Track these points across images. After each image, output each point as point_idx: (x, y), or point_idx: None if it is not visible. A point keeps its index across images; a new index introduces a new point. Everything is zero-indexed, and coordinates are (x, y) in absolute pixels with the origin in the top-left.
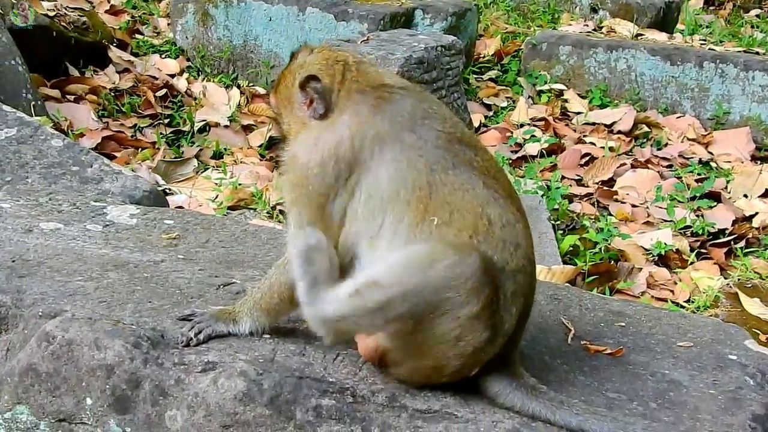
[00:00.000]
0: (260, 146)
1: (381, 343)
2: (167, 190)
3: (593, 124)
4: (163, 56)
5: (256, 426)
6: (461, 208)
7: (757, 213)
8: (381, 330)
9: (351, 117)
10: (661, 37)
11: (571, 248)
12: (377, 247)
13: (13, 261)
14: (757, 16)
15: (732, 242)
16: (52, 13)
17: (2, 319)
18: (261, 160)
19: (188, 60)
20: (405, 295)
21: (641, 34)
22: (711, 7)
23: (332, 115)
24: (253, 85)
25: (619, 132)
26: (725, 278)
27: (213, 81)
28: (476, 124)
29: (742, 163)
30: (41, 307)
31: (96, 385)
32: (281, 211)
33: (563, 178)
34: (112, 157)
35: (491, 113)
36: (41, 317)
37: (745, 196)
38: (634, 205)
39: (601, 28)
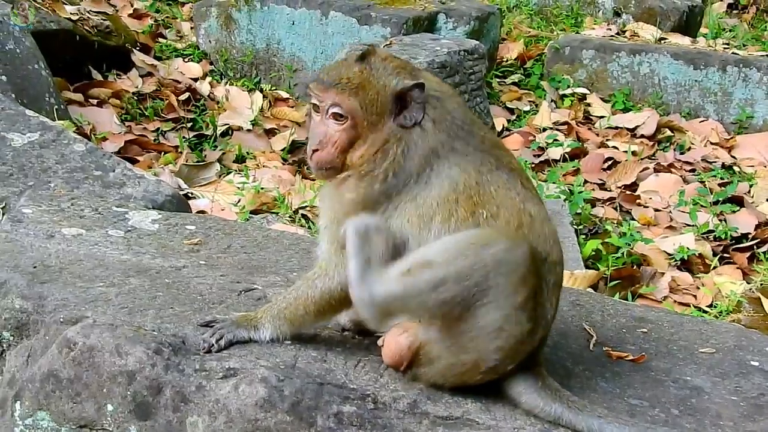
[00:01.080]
0: (283, 150)
1: (419, 337)
2: (189, 194)
3: (616, 128)
4: (186, 60)
5: None
6: (505, 203)
7: None
8: (428, 313)
9: (434, 126)
10: (684, 41)
11: (594, 253)
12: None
13: (35, 267)
14: None
15: (755, 247)
16: (75, 17)
17: (24, 325)
18: (283, 164)
19: (211, 64)
20: (458, 276)
21: (664, 38)
22: (734, 11)
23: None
24: (275, 89)
25: (642, 136)
26: (748, 283)
27: (236, 85)
28: (499, 128)
29: (765, 167)
30: (63, 313)
31: (117, 391)
32: (303, 216)
33: (586, 182)
34: (134, 161)
35: (514, 117)
36: (62, 323)
37: None
38: (657, 210)
39: (624, 32)
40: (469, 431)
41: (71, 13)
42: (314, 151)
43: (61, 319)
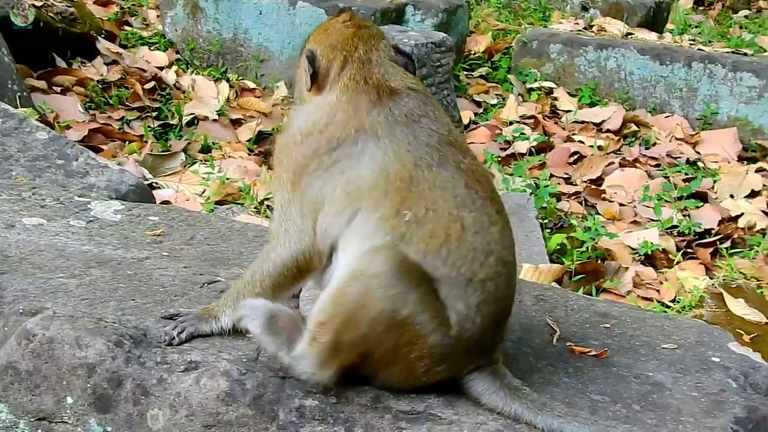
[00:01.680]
0: (249, 141)
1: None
2: (154, 184)
3: (582, 122)
4: (152, 48)
5: (239, 426)
6: (437, 207)
7: (743, 213)
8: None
9: (347, 101)
10: (651, 36)
11: (559, 247)
12: (350, 240)
13: None
14: (746, 16)
15: (718, 242)
16: (39, 4)
17: None
18: (249, 154)
19: (177, 53)
20: (348, 326)
21: (631, 34)
22: (700, 7)
23: (327, 93)
24: (242, 79)
25: (608, 131)
26: (711, 278)
27: (202, 74)
28: (466, 121)
29: (729, 163)
30: (22, 304)
31: (77, 383)
32: (269, 207)
33: (552, 176)
34: (99, 150)
35: (481, 110)
36: (22, 314)
37: (732, 196)
38: (621, 204)
39: (592, 26)
40: (431, 426)
41: (35, 0)
42: None
43: (21, 311)
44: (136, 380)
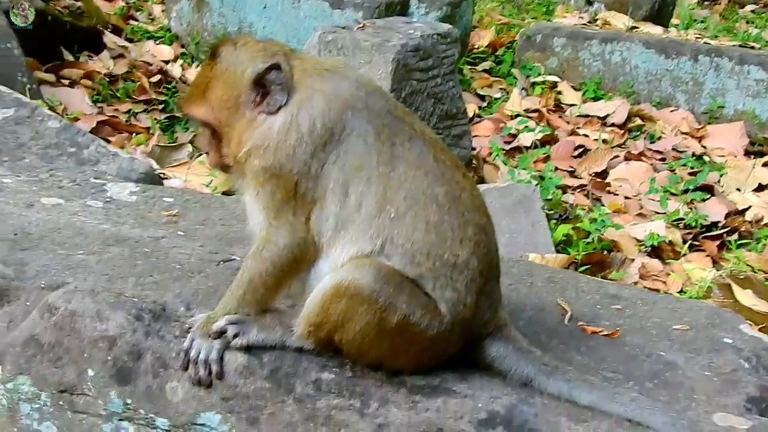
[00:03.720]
0: None
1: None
2: (162, 175)
3: (587, 116)
4: (158, 42)
5: (256, 399)
6: (415, 191)
7: (749, 207)
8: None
9: (317, 93)
10: (656, 30)
11: (565, 238)
12: (336, 241)
13: (16, 234)
14: (752, 11)
15: (724, 235)
16: None
17: (4, 291)
18: None
19: (183, 46)
20: (338, 333)
21: (636, 27)
22: (706, 2)
23: (291, 101)
24: None
25: (613, 124)
26: (717, 270)
27: None
28: (470, 114)
29: (735, 157)
30: (44, 280)
31: (98, 356)
32: None
33: (556, 169)
34: (106, 142)
35: (485, 104)
36: (44, 289)
37: (738, 189)
38: (627, 197)
39: (596, 20)
40: (446, 399)
41: None
42: (207, 154)
43: (43, 285)
44: (155, 353)
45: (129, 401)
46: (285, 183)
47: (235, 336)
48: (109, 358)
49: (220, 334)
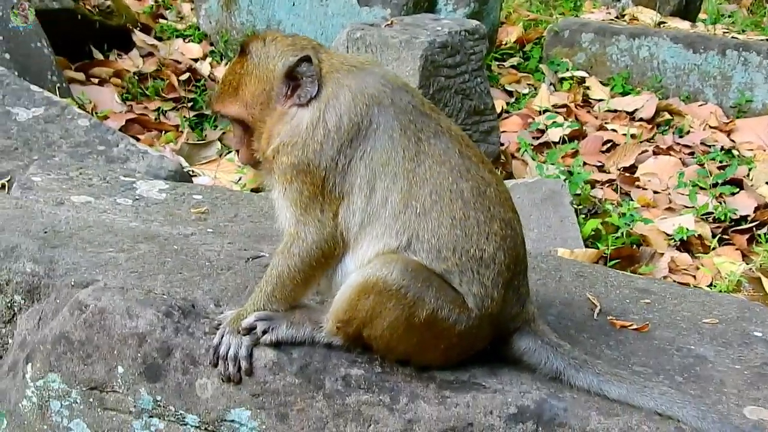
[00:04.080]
0: None
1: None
2: (191, 172)
3: (615, 111)
4: (187, 41)
5: (286, 395)
6: (440, 186)
7: None
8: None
9: (344, 88)
10: (684, 25)
11: (594, 232)
12: (363, 237)
13: (46, 232)
14: None
15: (754, 228)
16: None
17: (35, 289)
18: None
19: (211, 44)
20: (367, 328)
21: (663, 23)
22: None
23: (319, 96)
24: None
25: (641, 119)
26: (747, 264)
27: None
28: (498, 109)
29: (764, 150)
30: (73, 277)
31: (127, 353)
32: None
33: (585, 164)
34: (136, 140)
35: (513, 100)
36: (74, 287)
37: (767, 183)
38: (655, 192)
39: (624, 15)
40: (476, 394)
41: None
42: (237, 150)
43: (72, 283)
44: (185, 350)
45: (159, 398)
46: (312, 179)
47: (264, 332)
48: (138, 355)
49: (249, 330)
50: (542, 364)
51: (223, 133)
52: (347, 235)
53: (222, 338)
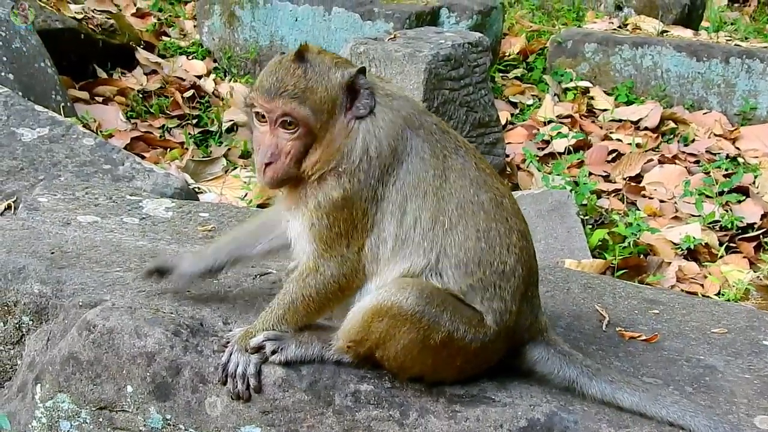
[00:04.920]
0: None
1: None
2: (196, 189)
3: (619, 120)
4: (190, 58)
5: (295, 411)
6: (463, 199)
7: None
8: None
9: (389, 108)
10: (687, 33)
11: (600, 242)
12: (390, 264)
13: (53, 253)
14: None
15: (761, 236)
16: (80, 16)
17: (43, 310)
18: None
19: (215, 61)
20: (379, 350)
21: (666, 31)
22: (736, 5)
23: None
24: None
25: (646, 128)
26: (755, 272)
27: (240, 81)
28: (503, 121)
29: None
30: (81, 297)
31: (136, 372)
32: None
33: (590, 174)
34: (141, 158)
35: (517, 111)
36: (81, 307)
37: None
38: (662, 201)
39: (626, 25)
40: (486, 408)
41: (76, 12)
42: (267, 164)
43: (80, 303)
44: (194, 368)
45: (168, 417)
46: (350, 214)
47: (273, 352)
48: (147, 374)
49: (258, 349)
50: (555, 373)
51: (228, 149)
52: (373, 264)
53: (231, 356)
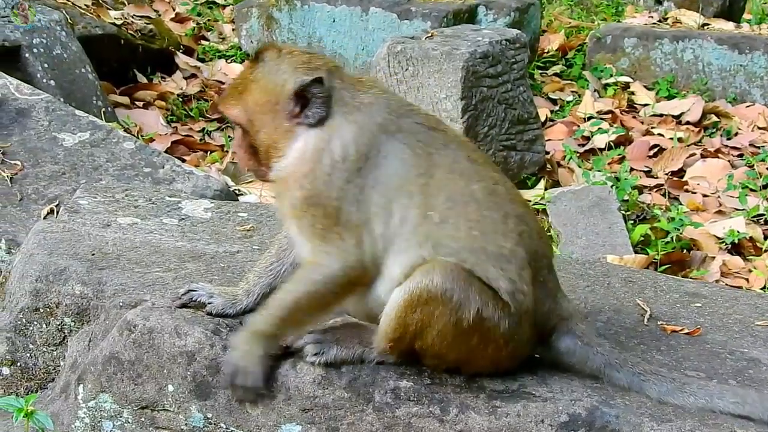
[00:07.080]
0: None
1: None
2: (237, 191)
3: (661, 115)
4: (229, 61)
5: (335, 409)
6: (453, 192)
7: None
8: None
9: (351, 116)
10: (728, 26)
11: (643, 238)
12: (392, 256)
13: (93, 254)
14: None
15: None
16: (119, 22)
17: (84, 311)
18: None
19: None
20: (419, 341)
21: (707, 24)
22: None
23: (326, 123)
24: None
25: (688, 123)
26: None
27: None
28: (542, 118)
29: None
30: (122, 298)
31: (177, 371)
32: None
33: (632, 169)
34: (182, 161)
35: (557, 108)
36: (122, 307)
37: None
38: (705, 195)
39: (666, 19)
40: (526, 403)
41: (115, 18)
42: (234, 153)
43: (121, 304)
44: None
45: (210, 415)
46: (325, 211)
47: (315, 354)
48: (188, 373)
49: (299, 350)
50: (582, 364)
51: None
52: (377, 262)
53: (235, 364)
